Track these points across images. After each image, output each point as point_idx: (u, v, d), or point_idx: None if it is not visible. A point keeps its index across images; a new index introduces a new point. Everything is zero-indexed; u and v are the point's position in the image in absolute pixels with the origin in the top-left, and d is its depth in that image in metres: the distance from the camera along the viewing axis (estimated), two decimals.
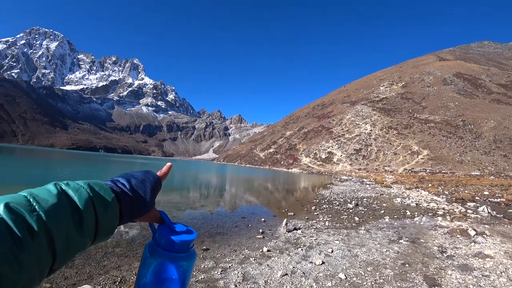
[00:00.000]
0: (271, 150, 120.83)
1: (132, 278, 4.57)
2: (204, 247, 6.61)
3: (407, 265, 5.71)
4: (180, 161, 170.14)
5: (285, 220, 9.06)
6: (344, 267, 5.53)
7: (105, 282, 4.35)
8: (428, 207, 14.56)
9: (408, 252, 6.67)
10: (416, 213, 12.66)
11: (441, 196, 20.03)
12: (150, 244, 0.62)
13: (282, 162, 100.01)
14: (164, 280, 0.55)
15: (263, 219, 10.52)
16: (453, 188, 26.08)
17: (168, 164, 0.74)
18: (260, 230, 8.62)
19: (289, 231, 8.62)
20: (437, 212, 12.82)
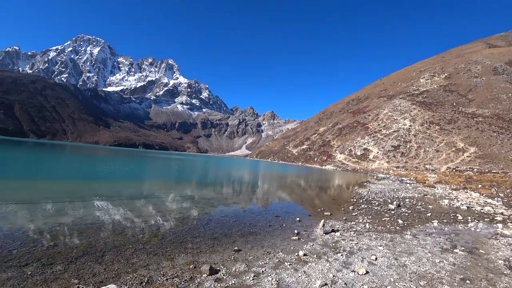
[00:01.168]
0: (304, 146, 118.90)
1: (159, 279, 4.41)
2: (236, 247, 6.34)
3: (468, 282, 4.91)
4: (214, 157, 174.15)
5: (322, 221, 8.50)
6: (392, 279, 4.90)
7: (132, 282, 4.21)
8: (482, 211, 13.00)
9: (467, 265, 5.80)
10: (469, 217, 11.32)
11: (496, 199, 17.89)
12: None
13: (315, 159, 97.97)
14: None
15: (298, 219, 10.04)
16: (508, 190, 23.26)
17: None
18: (295, 231, 8.18)
19: (326, 233, 8.07)
20: (495, 218, 11.34)
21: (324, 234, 7.90)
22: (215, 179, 25.44)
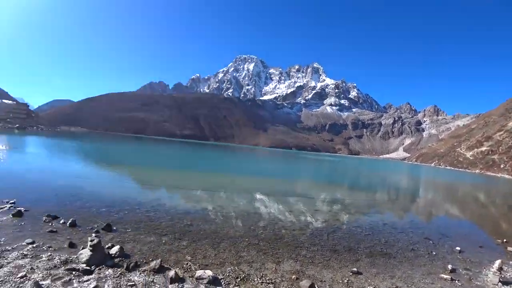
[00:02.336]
0: (484, 148, 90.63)
1: (255, 279, 4.07)
2: (356, 269, 5.13)
3: None
4: (366, 159, 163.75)
5: (499, 261, 5.60)
6: None
7: (229, 274, 4.11)
8: None
9: None
10: None
11: None
12: None
13: (502, 165, 72.59)
14: None
15: (458, 248, 7.27)
16: None
17: None
18: (450, 266, 5.88)
19: (505, 282, 5.24)
20: None
21: (500, 284, 5.14)
22: (367, 183, 23.30)
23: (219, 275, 3.99)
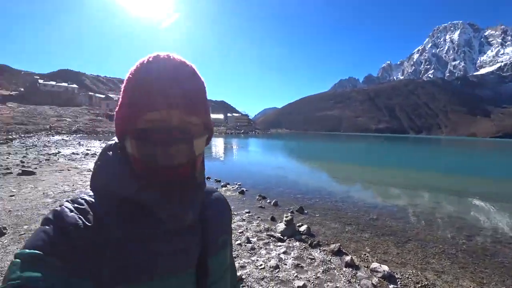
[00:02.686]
0: None
1: None
2: None
3: None
4: None
5: None
6: None
7: (408, 276, 3.52)
8: None
9: None
10: None
11: None
12: None
13: None
14: None
15: None
16: None
17: None
18: None
19: None
20: None
21: None
22: None
23: (396, 273, 3.62)
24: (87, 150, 15.45)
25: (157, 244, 0.51)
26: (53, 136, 30.01)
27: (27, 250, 0.41)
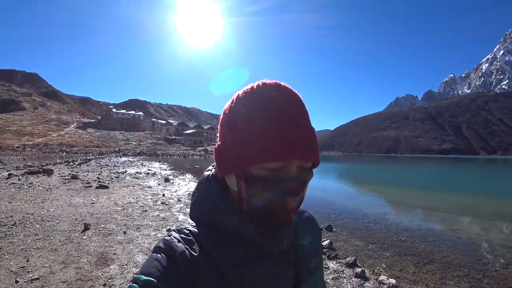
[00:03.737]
0: None
1: None
2: None
3: None
4: None
5: None
6: None
7: None
8: None
9: None
10: None
11: None
12: None
13: None
14: None
15: None
16: None
17: None
18: None
19: None
20: None
21: None
22: None
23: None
24: (148, 170, 17.62)
25: (258, 271, 0.51)
26: (121, 157, 34.36)
27: (143, 276, 0.45)
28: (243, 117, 0.50)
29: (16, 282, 2.88)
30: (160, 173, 16.13)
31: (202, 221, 0.55)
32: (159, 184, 11.18)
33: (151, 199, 7.82)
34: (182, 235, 0.51)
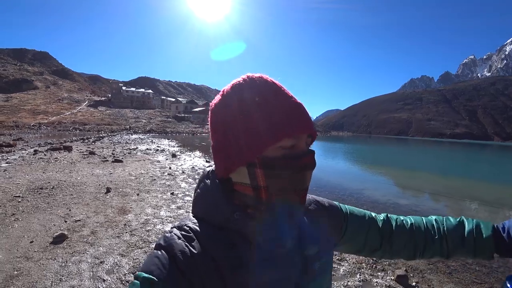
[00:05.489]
0: None
1: None
2: None
3: None
4: None
5: None
6: None
7: None
8: None
9: None
10: None
11: None
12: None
13: None
14: None
15: None
16: None
17: None
18: None
19: None
20: None
21: None
22: None
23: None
24: (157, 146, 19.01)
25: (259, 273, 0.50)
26: (132, 135, 35.98)
27: (143, 274, 0.46)
28: (240, 109, 0.51)
29: (65, 221, 4.20)
30: (168, 149, 17.49)
31: (204, 218, 0.55)
32: (166, 159, 12.50)
33: (159, 171, 9.12)
34: (183, 232, 0.52)
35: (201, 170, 8.56)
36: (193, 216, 0.57)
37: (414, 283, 3.23)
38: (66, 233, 3.69)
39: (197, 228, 0.53)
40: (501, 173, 20.08)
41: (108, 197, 5.63)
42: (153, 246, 0.51)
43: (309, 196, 0.69)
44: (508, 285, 0.61)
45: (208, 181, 0.58)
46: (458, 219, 0.71)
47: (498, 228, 0.68)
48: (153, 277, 0.45)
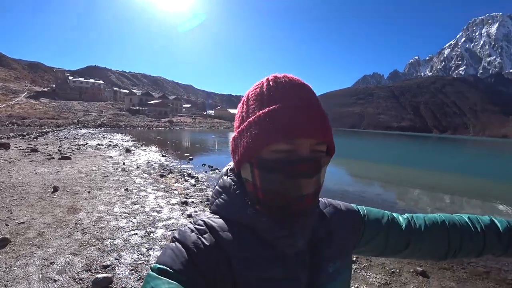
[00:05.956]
0: None
1: None
2: None
3: None
4: None
5: None
6: None
7: None
8: None
9: None
10: None
11: None
12: None
13: None
14: None
15: None
16: None
17: None
18: None
19: None
20: None
21: None
22: None
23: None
24: (109, 142, 17.98)
25: (268, 270, 0.51)
26: (81, 129, 33.34)
27: (158, 265, 0.48)
28: (252, 107, 0.52)
29: (6, 225, 3.92)
30: (122, 144, 16.68)
31: (218, 214, 0.57)
32: (120, 155, 11.98)
33: (112, 167, 8.77)
34: (197, 226, 0.53)
35: (157, 165, 8.43)
36: (210, 212, 0.59)
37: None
38: (8, 237, 3.48)
39: (211, 223, 0.54)
40: (440, 162, 22.65)
41: (55, 196, 5.33)
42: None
43: (324, 200, 0.69)
44: None
45: (225, 177, 0.59)
46: (489, 217, 0.71)
47: None
48: (167, 268, 0.47)
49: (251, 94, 0.54)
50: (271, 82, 0.53)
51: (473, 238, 0.68)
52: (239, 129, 0.54)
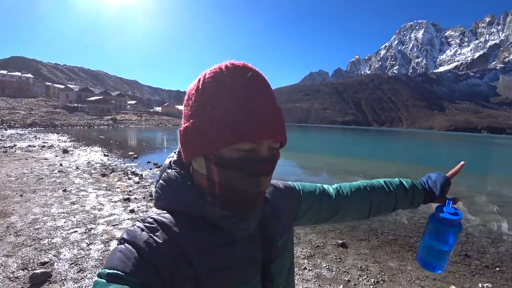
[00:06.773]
0: None
1: None
2: None
3: None
4: None
5: None
6: None
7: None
8: None
9: None
10: None
11: None
12: (431, 215, 0.73)
13: None
14: (436, 238, 0.71)
15: None
16: None
17: (461, 163, 0.80)
18: None
19: None
20: None
21: None
22: None
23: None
24: (43, 143, 16.35)
25: (226, 256, 0.51)
26: (6, 130, 29.43)
27: (106, 270, 0.43)
28: (212, 99, 0.49)
29: None
30: (58, 145, 15.35)
31: (167, 209, 0.54)
32: (56, 156, 11.14)
33: (47, 169, 8.22)
34: (146, 224, 0.50)
35: (99, 165, 8.22)
36: (156, 208, 0.56)
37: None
38: None
39: (162, 219, 0.52)
40: (378, 151, 25.89)
41: None
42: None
43: None
44: (440, 215, 0.69)
45: (170, 171, 0.57)
46: (398, 179, 0.84)
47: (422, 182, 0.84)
48: (118, 271, 0.43)
49: (209, 81, 0.50)
50: (232, 71, 0.50)
51: (388, 196, 0.80)
52: (195, 119, 0.50)
